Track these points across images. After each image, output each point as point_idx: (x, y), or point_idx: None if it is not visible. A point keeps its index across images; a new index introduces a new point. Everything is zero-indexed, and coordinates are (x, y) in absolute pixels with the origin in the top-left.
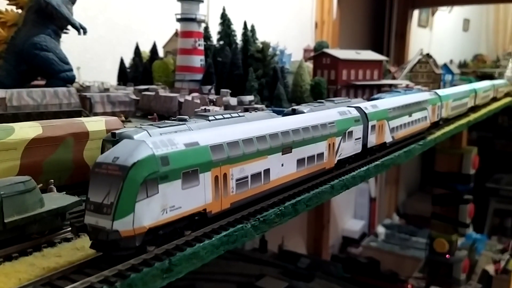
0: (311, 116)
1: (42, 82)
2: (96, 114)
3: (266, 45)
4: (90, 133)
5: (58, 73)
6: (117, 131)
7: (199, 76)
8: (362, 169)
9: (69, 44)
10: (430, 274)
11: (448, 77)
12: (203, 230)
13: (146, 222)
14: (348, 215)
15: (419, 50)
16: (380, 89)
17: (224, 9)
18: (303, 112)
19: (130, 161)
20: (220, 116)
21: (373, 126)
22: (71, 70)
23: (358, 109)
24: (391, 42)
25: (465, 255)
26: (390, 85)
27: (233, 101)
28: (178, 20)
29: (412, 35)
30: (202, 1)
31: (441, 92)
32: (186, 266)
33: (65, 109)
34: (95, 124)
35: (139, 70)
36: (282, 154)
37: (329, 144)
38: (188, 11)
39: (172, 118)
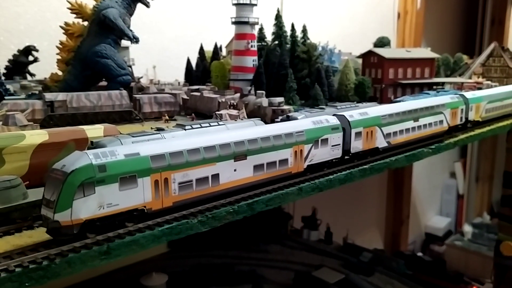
0: (280, 126)
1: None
2: (144, 114)
3: (311, 46)
4: (89, 139)
5: (116, 77)
6: (95, 140)
7: (251, 76)
8: (342, 172)
9: (149, 44)
10: (497, 277)
11: None
12: (147, 222)
13: (83, 215)
14: (432, 211)
15: (493, 44)
16: (431, 87)
17: (278, 11)
18: (296, 119)
19: (70, 168)
20: (198, 126)
21: (358, 133)
22: (127, 74)
23: (341, 117)
24: (485, 30)
25: None
26: (443, 83)
27: (265, 102)
28: (233, 23)
29: None
30: (256, 5)
31: (471, 94)
32: (125, 250)
33: (117, 109)
34: (94, 131)
35: (199, 69)
36: (234, 161)
37: (295, 151)
38: (241, 14)
39: (151, 128)
